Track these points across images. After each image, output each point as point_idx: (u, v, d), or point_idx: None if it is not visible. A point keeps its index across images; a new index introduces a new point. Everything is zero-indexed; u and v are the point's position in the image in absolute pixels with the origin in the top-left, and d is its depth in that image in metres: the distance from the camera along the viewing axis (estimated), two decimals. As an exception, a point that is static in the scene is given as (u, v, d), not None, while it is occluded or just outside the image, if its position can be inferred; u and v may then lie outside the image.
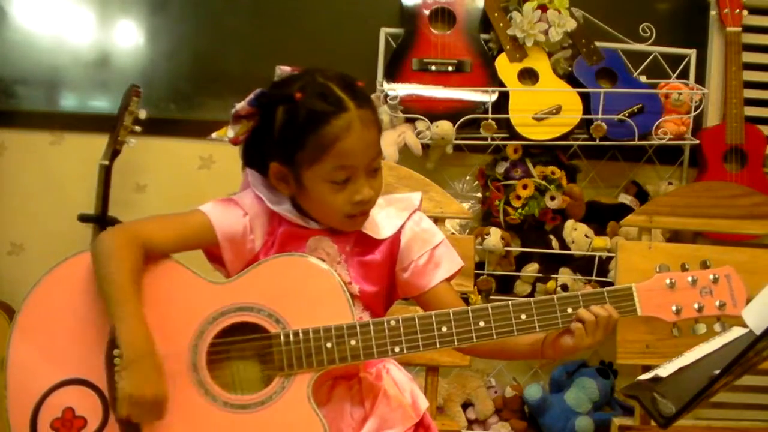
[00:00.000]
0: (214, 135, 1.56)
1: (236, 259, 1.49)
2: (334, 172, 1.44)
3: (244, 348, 1.41)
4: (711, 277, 1.46)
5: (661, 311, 1.45)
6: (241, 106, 1.49)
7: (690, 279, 1.46)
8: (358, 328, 1.40)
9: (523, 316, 1.42)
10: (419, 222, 1.57)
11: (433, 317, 1.42)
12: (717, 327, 1.46)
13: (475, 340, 1.41)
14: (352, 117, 1.43)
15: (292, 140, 1.45)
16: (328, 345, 1.39)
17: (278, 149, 1.47)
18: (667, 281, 1.46)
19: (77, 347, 1.41)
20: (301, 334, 1.40)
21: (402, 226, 1.55)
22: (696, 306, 1.45)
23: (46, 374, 1.40)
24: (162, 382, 1.36)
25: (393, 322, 1.41)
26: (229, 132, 1.53)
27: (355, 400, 1.49)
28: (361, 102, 1.45)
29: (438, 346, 1.42)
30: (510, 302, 1.43)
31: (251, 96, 1.48)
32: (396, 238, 1.54)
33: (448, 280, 1.56)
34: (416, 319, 1.41)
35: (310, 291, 1.42)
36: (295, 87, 1.45)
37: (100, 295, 1.40)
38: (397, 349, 1.40)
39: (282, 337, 1.40)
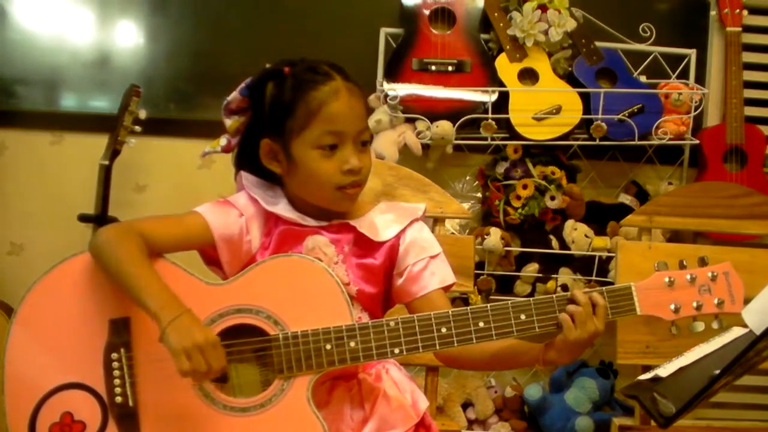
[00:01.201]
0: (207, 149, 1.59)
1: (233, 260, 1.50)
2: (322, 137, 1.46)
3: (243, 350, 1.41)
4: (709, 274, 1.46)
5: (659, 310, 1.45)
6: (232, 96, 1.52)
7: (688, 277, 1.45)
8: (357, 329, 1.40)
9: (523, 317, 1.42)
10: (420, 230, 1.58)
11: (432, 318, 1.41)
12: (715, 324, 1.46)
13: (474, 340, 1.41)
14: (339, 85, 1.46)
15: (282, 109, 1.47)
16: (328, 347, 1.39)
17: (268, 123, 1.49)
18: (666, 279, 1.45)
19: (75, 350, 1.41)
20: (300, 336, 1.40)
21: (402, 232, 1.55)
22: (695, 304, 1.45)
23: (44, 378, 1.40)
24: (206, 328, 1.35)
25: (392, 324, 1.41)
26: (222, 140, 1.56)
27: (354, 401, 1.49)
28: (347, 77, 1.49)
29: (438, 347, 1.41)
30: (509, 302, 1.43)
31: (241, 85, 1.52)
32: (395, 243, 1.54)
33: (443, 291, 1.55)
34: (415, 320, 1.41)
35: (309, 292, 1.42)
36: (283, 65, 1.49)
37: (113, 282, 1.39)
38: (396, 351, 1.40)
39: (281, 339, 1.40)
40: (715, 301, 1.45)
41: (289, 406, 1.39)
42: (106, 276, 1.41)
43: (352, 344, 1.40)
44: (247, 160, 1.55)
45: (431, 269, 1.54)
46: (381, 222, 1.55)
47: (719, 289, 1.45)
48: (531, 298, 1.44)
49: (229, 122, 1.54)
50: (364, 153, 1.50)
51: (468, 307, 1.43)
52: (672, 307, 1.45)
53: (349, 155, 1.47)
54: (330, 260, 1.49)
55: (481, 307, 1.42)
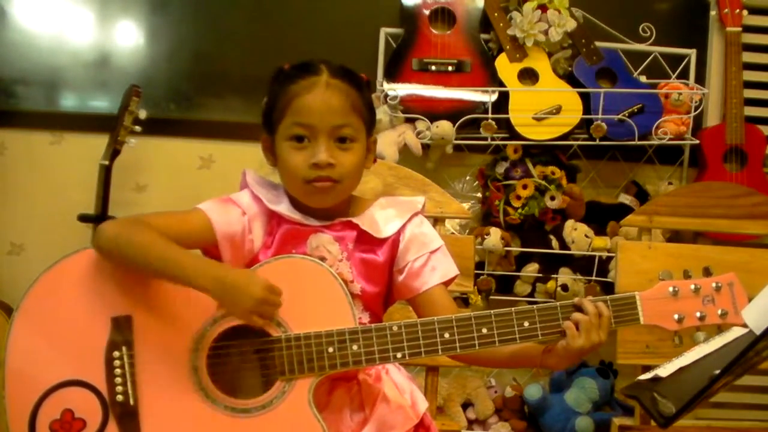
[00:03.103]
0: None
1: (235, 259, 1.49)
2: (291, 129, 1.47)
3: (245, 351, 1.41)
4: (714, 285, 1.44)
5: (663, 320, 1.44)
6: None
7: (693, 287, 1.44)
8: (360, 333, 1.40)
9: (526, 324, 1.41)
10: (420, 225, 1.57)
11: (436, 323, 1.41)
12: (717, 335, 1.45)
13: (477, 347, 1.40)
14: (319, 80, 1.47)
15: (270, 104, 1.50)
16: (330, 350, 1.39)
17: (263, 118, 1.53)
18: (670, 290, 1.44)
19: (76, 348, 1.40)
20: (302, 339, 1.39)
21: (402, 228, 1.55)
22: (698, 315, 1.43)
23: (44, 375, 1.39)
24: (253, 272, 1.40)
25: (395, 328, 1.40)
26: None
27: (354, 403, 1.49)
28: (337, 74, 1.48)
29: (440, 352, 1.40)
30: (513, 309, 1.42)
31: None
32: (396, 239, 1.54)
33: (444, 285, 1.55)
34: (419, 325, 1.41)
35: (312, 293, 1.42)
36: (287, 63, 1.52)
37: (139, 270, 1.40)
38: (399, 355, 1.40)
39: (283, 341, 1.40)
40: (719, 312, 1.44)
41: (290, 408, 1.38)
42: (125, 267, 1.41)
43: (355, 347, 1.39)
44: None
45: (432, 264, 1.54)
46: (382, 218, 1.55)
47: (723, 300, 1.44)
48: (535, 306, 1.43)
49: None
50: (342, 150, 1.48)
51: (471, 313, 1.42)
52: (675, 317, 1.43)
53: (318, 150, 1.46)
54: (334, 258, 1.49)
55: (485, 314, 1.41)
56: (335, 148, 1.47)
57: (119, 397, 1.39)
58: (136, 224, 1.42)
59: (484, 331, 1.41)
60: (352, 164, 1.49)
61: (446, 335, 1.40)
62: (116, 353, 1.39)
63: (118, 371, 1.39)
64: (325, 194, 1.49)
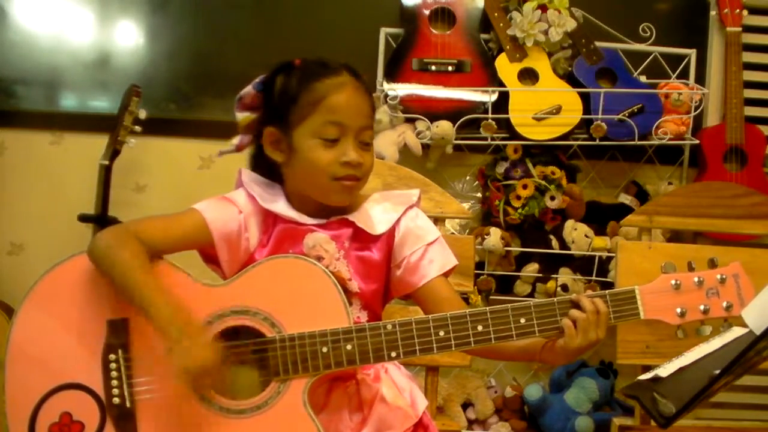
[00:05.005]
0: (222, 149, 1.61)
1: (232, 258, 1.49)
2: (323, 128, 1.46)
3: (239, 352, 1.40)
4: (718, 277, 1.42)
5: (664, 314, 1.42)
6: (245, 90, 1.54)
7: (696, 280, 1.42)
8: (354, 332, 1.39)
9: (523, 320, 1.40)
10: (415, 218, 1.57)
11: (431, 321, 1.40)
12: (723, 328, 1.43)
13: (473, 344, 1.40)
14: (345, 79, 1.48)
15: (287, 98, 1.49)
16: (324, 349, 1.39)
17: (274, 112, 1.51)
18: (672, 282, 1.42)
19: (74, 351, 1.40)
20: (296, 339, 1.39)
21: (397, 222, 1.55)
22: (702, 308, 1.42)
23: (43, 378, 1.39)
24: (212, 345, 1.35)
25: (390, 327, 1.40)
26: (234, 140, 1.57)
27: (353, 402, 1.48)
28: (357, 77, 1.50)
29: (435, 350, 1.40)
30: (509, 306, 1.41)
31: (256, 80, 1.54)
32: (391, 234, 1.54)
33: (444, 276, 1.54)
34: (413, 323, 1.40)
35: (306, 293, 1.41)
36: (297, 59, 1.52)
37: (114, 288, 1.39)
38: (393, 354, 1.39)
39: (278, 342, 1.39)
40: (724, 304, 1.42)
41: (285, 409, 1.38)
42: (108, 281, 1.41)
43: (349, 347, 1.39)
44: (261, 156, 1.55)
45: (429, 257, 1.53)
46: (376, 213, 1.55)
47: (728, 292, 1.42)
48: (531, 301, 1.42)
49: (240, 116, 1.55)
50: (365, 151, 1.50)
51: (467, 311, 1.41)
52: (678, 311, 1.42)
53: (348, 148, 1.47)
54: (332, 257, 1.48)
55: (481, 311, 1.41)
56: (359, 148, 1.49)
57: (116, 400, 1.39)
58: (125, 240, 1.41)
59: (480, 328, 1.40)
60: (371, 164, 1.52)
61: (441, 333, 1.39)
62: (112, 356, 1.39)
63: (114, 374, 1.39)
64: (350, 192, 1.51)
